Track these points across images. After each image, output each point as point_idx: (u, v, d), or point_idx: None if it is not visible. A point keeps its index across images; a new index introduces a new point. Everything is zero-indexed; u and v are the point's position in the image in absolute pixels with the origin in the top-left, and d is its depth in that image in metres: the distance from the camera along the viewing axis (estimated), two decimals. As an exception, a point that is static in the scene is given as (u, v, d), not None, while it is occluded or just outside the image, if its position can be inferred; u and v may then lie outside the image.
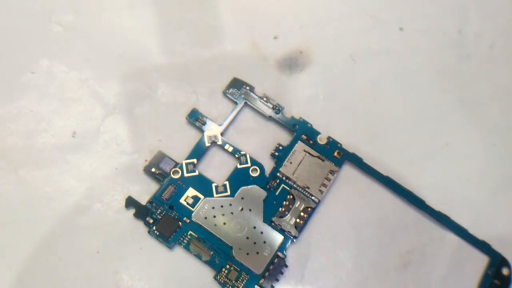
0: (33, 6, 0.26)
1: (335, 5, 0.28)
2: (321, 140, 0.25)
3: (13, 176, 0.23)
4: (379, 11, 0.28)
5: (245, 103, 0.25)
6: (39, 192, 0.23)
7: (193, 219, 0.22)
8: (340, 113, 0.26)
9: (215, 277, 0.22)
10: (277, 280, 0.22)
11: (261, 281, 0.22)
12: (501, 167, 0.26)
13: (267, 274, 0.22)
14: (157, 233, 0.22)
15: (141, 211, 0.22)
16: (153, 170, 0.23)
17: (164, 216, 0.22)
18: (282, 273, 0.22)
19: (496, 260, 0.24)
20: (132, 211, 0.22)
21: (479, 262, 0.24)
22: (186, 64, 0.25)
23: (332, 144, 0.25)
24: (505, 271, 0.23)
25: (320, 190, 0.24)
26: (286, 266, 0.22)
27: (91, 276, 0.22)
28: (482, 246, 0.24)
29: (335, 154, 0.24)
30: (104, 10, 0.26)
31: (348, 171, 0.25)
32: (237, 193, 0.23)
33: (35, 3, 0.26)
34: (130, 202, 0.22)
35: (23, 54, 0.25)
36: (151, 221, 0.22)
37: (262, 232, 0.22)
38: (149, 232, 0.22)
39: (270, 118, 0.25)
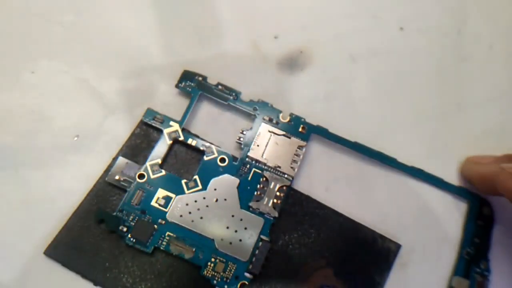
0: (33, 6, 0.26)
1: (335, 5, 0.28)
2: (284, 118, 0.25)
3: (13, 176, 0.22)
4: (379, 11, 0.28)
5: (201, 94, 0.24)
6: (39, 192, 0.22)
7: (168, 219, 0.22)
8: (340, 113, 0.25)
9: (201, 273, 0.21)
10: (266, 263, 0.22)
11: (250, 267, 0.21)
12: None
13: (254, 259, 0.21)
14: (134, 240, 0.21)
15: (112, 222, 0.21)
16: (117, 178, 0.22)
17: (138, 222, 0.21)
18: (268, 256, 0.22)
19: (476, 201, 0.24)
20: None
21: (459, 208, 0.24)
22: (186, 64, 0.25)
23: (296, 120, 0.24)
24: (486, 211, 0.24)
25: (291, 167, 0.23)
26: (273, 248, 0.22)
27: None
28: (459, 191, 0.24)
29: (300, 129, 0.24)
30: (104, 10, 0.26)
31: (316, 144, 0.25)
32: (209, 185, 0.22)
33: (35, 3, 0.26)
34: (100, 214, 0.21)
35: (23, 54, 0.25)
36: (124, 229, 0.21)
37: (241, 219, 0.22)
38: (125, 241, 0.21)
39: (229, 105, 0.25)
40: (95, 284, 0.21)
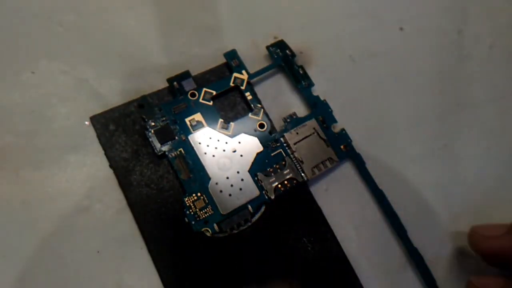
0: (33, 6, 0.26)
1: (335, 5, 0.28)
2: (334, 128, 0.25)
3: (13, 176, 0.22)
4: (379, 11, 0.29)
5: (281, 65, 0.26)
6: (39, 192, 0.22)
7: (189, 139, 0.23)
8: (340, 113, 0.25)
9: (183, 198, 0.22)
10: (236, 228, 0.22)
11: (221, 221, 0.22)
12: (495, 170, 0.26)
13: (228, 219, 0.22)
14: (152, 135, 0.23)
15: (148, 110, 0.24)
16: (174, 84, 0.24)
17: (166, 125, 0.24)
18: (242, 224, 0.22)
19: None
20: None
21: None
22: (186, 64, 0.25)
23: (343, 136, 0.25)
24: None
25: (312, 170, 0.24)
26: (248, 220, 0.23)
27: (91, 276, 0.22)
28: None
29: (342, 146, 0.25)
30: (105, 10, 0.26)
31: (346, 168, 0.25)
32: (237, 136, 0.24)
33: (35, 3, 0.26)
34: (144, 100, 0.24)
35: (23, 54, 0.25)
36: (152, 123, 0.23)
37: (242, 180, 0.23)
38: (145, 130, 0.23)
39: (297, 88, 0.26)
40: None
